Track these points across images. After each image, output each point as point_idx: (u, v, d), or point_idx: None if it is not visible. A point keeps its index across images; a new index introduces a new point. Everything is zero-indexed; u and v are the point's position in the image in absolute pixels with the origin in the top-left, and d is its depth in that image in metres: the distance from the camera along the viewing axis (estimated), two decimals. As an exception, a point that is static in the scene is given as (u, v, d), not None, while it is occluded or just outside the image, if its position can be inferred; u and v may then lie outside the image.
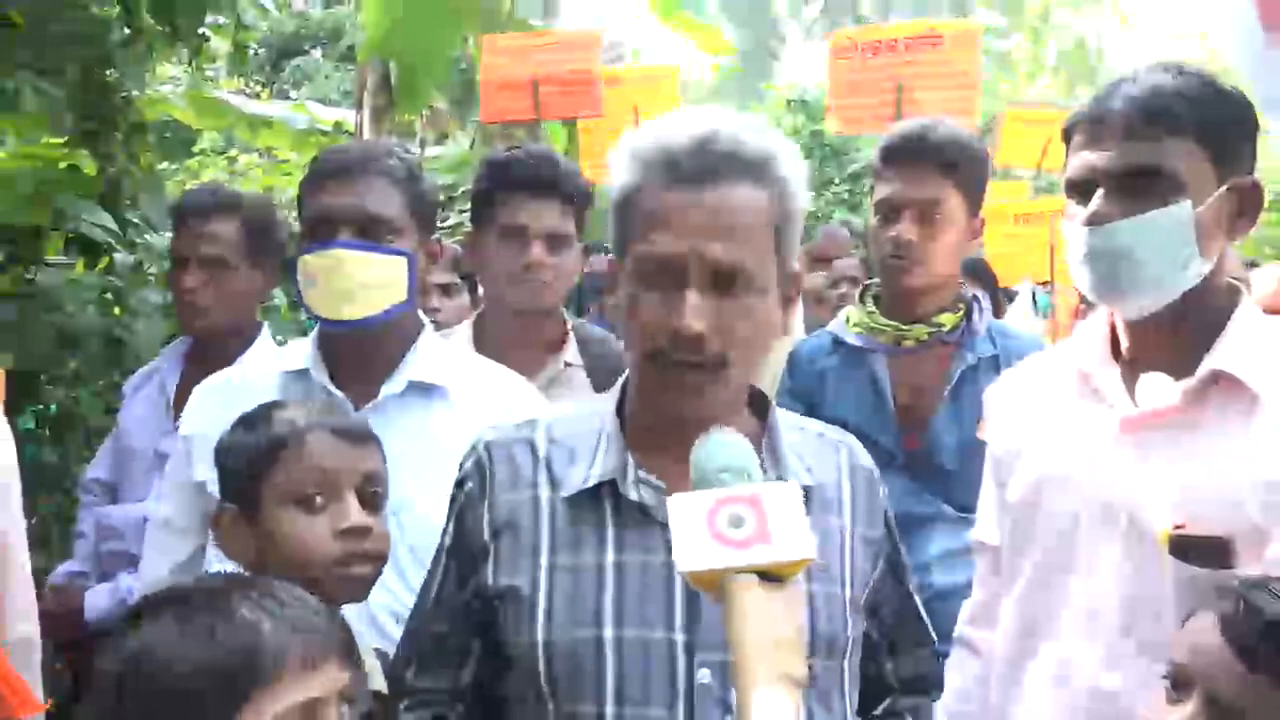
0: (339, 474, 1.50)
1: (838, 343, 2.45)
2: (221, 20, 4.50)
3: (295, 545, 1.46)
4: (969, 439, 2.20)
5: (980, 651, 1.79)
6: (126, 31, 4.03)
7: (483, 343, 2.42)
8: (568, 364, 2.45)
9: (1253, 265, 4.94)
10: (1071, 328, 4.33)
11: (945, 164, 2.32)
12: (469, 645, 1.44)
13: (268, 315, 2.81)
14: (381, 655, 1.54)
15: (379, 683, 1.47)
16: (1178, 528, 1.47)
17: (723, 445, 1.13)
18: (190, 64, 4.80)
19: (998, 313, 4.09)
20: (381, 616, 1.74)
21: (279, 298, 3.80)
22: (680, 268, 1.30)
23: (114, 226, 3.72)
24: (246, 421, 1.57)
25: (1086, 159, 1.53)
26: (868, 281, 2.56)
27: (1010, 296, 4.88)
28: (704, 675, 1.31)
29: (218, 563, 1.83)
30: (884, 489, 1.52)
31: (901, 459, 2.28)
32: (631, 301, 1.35)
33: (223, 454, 1.56)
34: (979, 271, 4.05)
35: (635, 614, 1.33)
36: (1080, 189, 1.55)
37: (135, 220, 3.96)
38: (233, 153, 9.38)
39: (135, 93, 4.15)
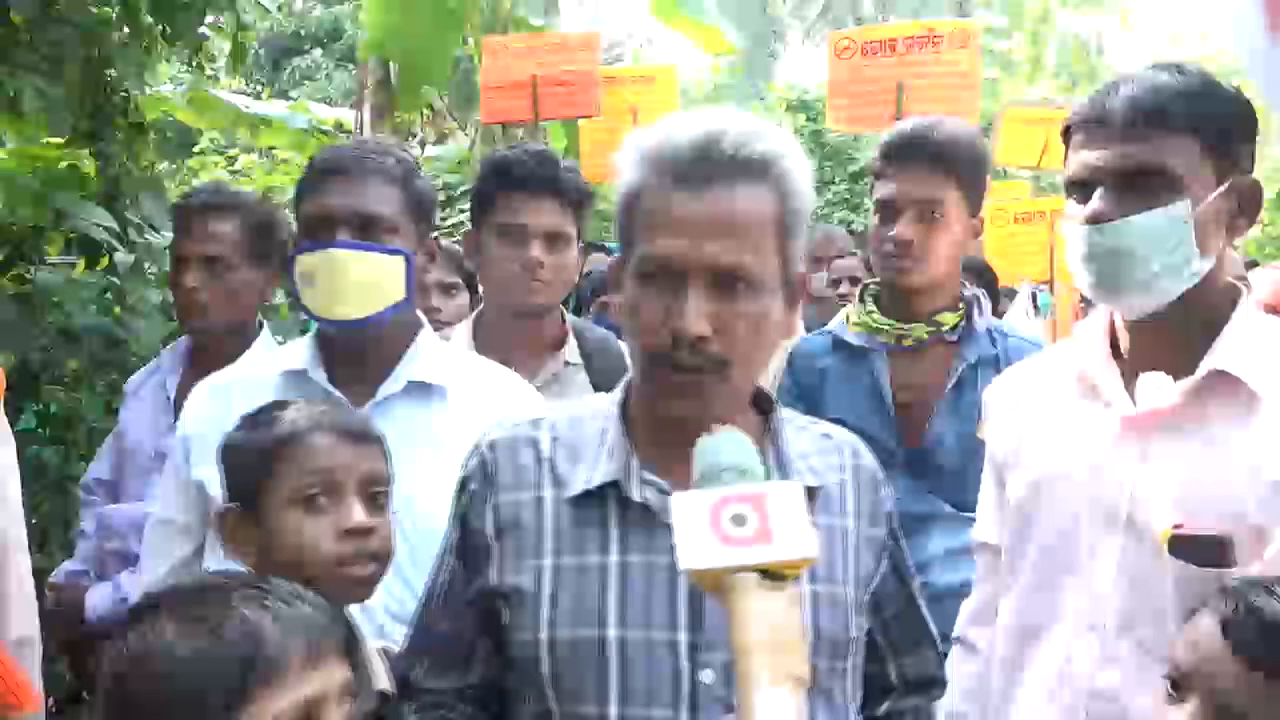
0: (342, 474, 1.50)
1: (837, 342, 2.46)
2: (221, 20, 4.50)
3: (298, 545, 1.46)
4: (968, 438, 2.20)
5: (979, 650, 1.79)
6: (126, 31, 4.03)
7: (482, 342, 2.42)
8: (567, 363, 2.45)
9: (1253, 265, 4.95)
10: (1072, 327, 4.34)
11: (945, 163, 2.32)
12: (476, 644, 1.44)
13: (268, 315, 2.81)
14: (388, 654, 1.54)
15: (384, 682, 1.47)
16: (1177, 527, 1.47)
17: (726, 444, 1.13)
18: (190, 64, 4.80)
19: (997, 312, 4.08)
20: (380, 616, 1.75)
21: (280, 297, 3.80)
22: (681, 269, 1.30)
23: (114, 226, 3.71)
24: (251, 421, 1.57)
25: (1086, 158, 1.53)
26: (867, 281, 2.56)
27: (1011, 296, 4.88)
28: (707, 676, 1.31)
29: (217, 562, 1.83)
30: (887, 489, 1.52)
31: (901, 458, 2.28)
32: (633, 302, 1.35)
33: (227, 453, 1.56)
34: (979, 271, 4.05)
35: (639, 614, 1.33)
36: (1080, 188, 1.55)
37: (135, 220, 3.95)
38: (233, 152, 9.39)
39: (135, 92, 4.15)
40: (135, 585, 2.22)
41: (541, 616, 1.35)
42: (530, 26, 7.91)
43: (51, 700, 2.43)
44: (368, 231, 1.90)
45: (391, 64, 8.47)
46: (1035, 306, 4.85)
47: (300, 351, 2.00)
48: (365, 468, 1.52)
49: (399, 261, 1.92)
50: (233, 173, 8.56)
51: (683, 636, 1.32)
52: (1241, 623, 1.29)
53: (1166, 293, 1.52)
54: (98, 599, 2.44)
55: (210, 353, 2.48)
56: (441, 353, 2.04)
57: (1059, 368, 1.70)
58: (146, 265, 3.85)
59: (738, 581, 1.03)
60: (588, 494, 1.38)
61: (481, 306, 2.58)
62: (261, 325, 2.64)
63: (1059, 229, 1.72)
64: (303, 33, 18.44)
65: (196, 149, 9.22)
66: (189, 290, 2.52)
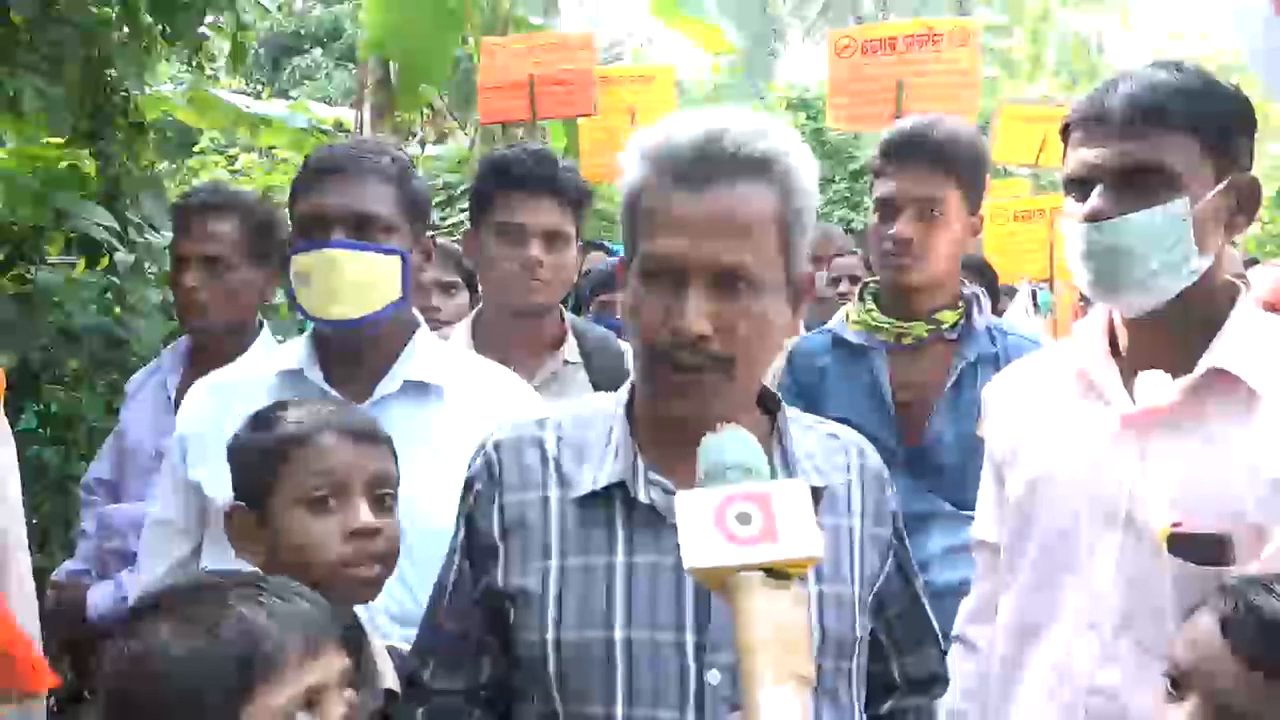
0: (349, 475, 1.50)
1: (837, 340, 2.46)
2: (221, 20, 4.50)
3: (305, 546, 1.47)
4: (968, 436, 2.20)
5: (979, 649, 1.79)
6: (126, 31, 4.03)
7: (481, 341, 2.42)
8: (567, 362, 2.45)
9: (1253, 262, 4.95)
10: (1072, 326, 4.34)
11: (945, 162, 2.32)
12: (485, 643, 1.44)
13: (268, 314, 2.81)
14: (395, 654, 1.54)
15: (391, 681, 1.48)
16: (1176, 525, 1.47)
17: (730, 442, 1.12)
18: (190, 63, 4.80)
19: (997, 310, 4.09)
20: (379, 618, 1.74)
21: (280, 297, 3.80)
22: (682, 268, 1.30)
23: (114, 226, 3.71)
24: (258, 420, 1.57)
25: (1085, 156, 1.53)
26: (867, 279, 2.56)
27: (1011, 294, 4.89)
28: (714, 676, 1.31)
29: (214, 562, 1.83)
30: (892, 488, 1.52)
31: (901, 456, 2.28)
32: (635, 301, 1.35)
33: (234, 452, 1.57)
34: (979, 269, 4.05)
35: (645, 615, 1.33)
36: (1079, 186, 1.55)
37: (135, 219, 3.96)
38: (233, 152, 9.40)
39: (135, 92, 4.15)
40: (135, 584, 2.23)
41: (548, 617, 1.35)
42: (530, 26, 7.91)
43: (52, 700, 2.43)
44: (363, 231, 1.90)
45: (391, 63, 8.48)
46: (1035, 305, 4.85)
47: (296, 351, 1.99)
48: (372, 468, 1.52)
49: (395, 261, 1.92)
50: (233, 172, 8.57)
51: (689, 637, 1.32)
52: (1241, 621, 1.29)
53: (1165, 291, 1.52)
54: (99, 597, 2.44)
55: (210, 352, 2.48)
56: (438, 352, 2.04)
57: (1058, 366, 1.70)
58: (147, 265, 3.85)
59: (742, 580, 1.03)
60: (594, 494, 1.38)
61: (480, 306, 2.58)
62: (261, 325, 2.64)
63: (1059, 227, 1.72)
64: (302, 32, 18.45)
65: (196, 149, 9.22)
66: (189, 290, 2.52)
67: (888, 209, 2.35)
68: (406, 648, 1.56)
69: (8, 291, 3.61)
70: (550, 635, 1.35)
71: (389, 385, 1.94)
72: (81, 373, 3.67)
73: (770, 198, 1.32)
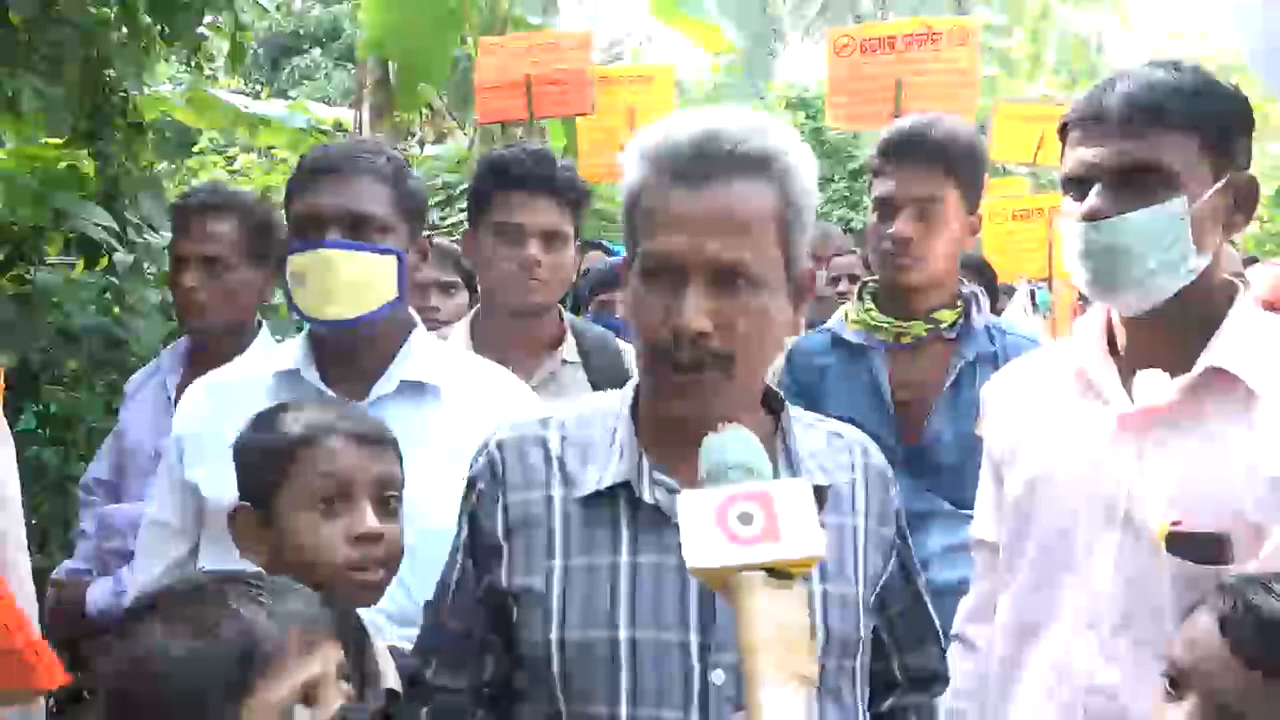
0: (355, 479, 1.50)
1: (836, 340, 2.46)
2: (220, 20, 4.50)
3: (309, 549, 1.47)
4: (967, 435, 2.20)
5: (978, 648, 1.79)
6: (125, 31, 4.03)
7: (480, 341, 2.42)
8: (565, 361, 2.45)
9: (1252, 261, 4.95)
10: (1071, 325, 4.34)
11: (943, 161, 2.32)
12: (487, 643, 1.44)
13: (267, 314, 2.81)
14: (397, 653, 1.54)
15: (393, 680, 1.48)
16: (1175, 524, 1.47)
17: (732, 442, 1.12)
18: (189, 63, 4.80)
19: (996, 310, 4.09)
20: (378, 618, 1.74)
21: (279, 297, 3.80)
22: (681, 266, 1.30)
23: (113, 226, 3.71)
24: (265, 420, 1.56)
25: (1083, 155, 1.53)
26: (866, 279, 2.56)
27: (1010, 293, 4.89)
28: (718, 677, 1.31)
29: (211, 562, 1.83)
30: (896, 488, 1.52)
31: (900, 455, 2.28)
32: (636, 300, 1.35)
33: (240, 452, 1.56)
34: (978, 268, 4.05)
35: (650, 615, 1.33)
36: (1077, 185, 1.55)
37: (134, 220, 3.96)
38: (232, 152, 9.39)
39: (134, 92, 4.15)
40: (132, 584, 2.23)
41: (552, 617, 1.36)
42: (529, 25, 7.91)
43: (51, 700, 2.43)
44: (359, 231, 1.90)
45: (390, 63, 8.49)
46: (1033, 304, 4.85)
47: (293, 352, 1.99)
48: (378, 472, 1.52)
49: (390, 261, 1.92)
50: (231, 172, 8.56)
51: (693, 637, 1.32)
52: (1239, 621, 1.29)
53: (1163, 290, 1.52)
54: (98, 594, 2.44)
55: (210, 353, 2.48)
56: (435, 352, 2.03)
57: (1056, 365, 1.70)
58: (146, 265, 3.85)
59: (744, 580, 1.03)
60: (598, 494, 1.38)
61: (479, 306, 2.58)
62: (260, 325, 2.64)
63: (1057, 226, 1.72)
64: (301, 32, 18.45)
65: (195, 149, 9.22)
66: (187, 290, 2.52)
67: (886, 208, 2.35)
68: (406, 647, 1.56)
69: (7, 292, 3.61)
70: (554, 635, 1.35)
71: (385, 385, 1.94)
72: (81, 373, 3.67)
73: (769, 195, 1.32)
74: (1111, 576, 1.54)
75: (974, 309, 2.39)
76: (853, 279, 4.35)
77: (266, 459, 1.51)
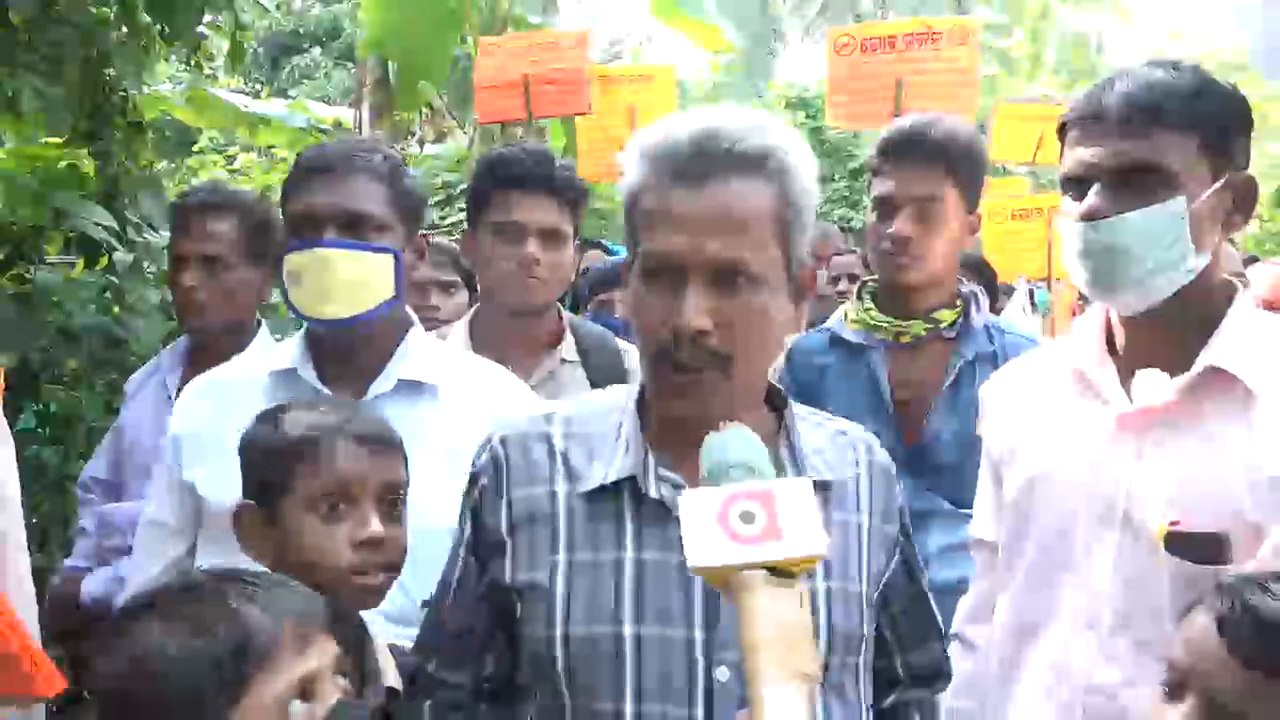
0: (361, 483, 1.50)
1: (835, 339, 2.46)
2: (220, 19, 4.50)
3: (312, 551, 1.47)
4: (967, 435, 2.20)
5: (977, 648, 1.79)
6: (125, 31, 4.03)
7: (479, 340, 2.42)
8: (564, 360, 2.45)
9: (1252, 261, 4.95)
10: (1070, 324, 4.34)
11: (943, 160, 2.32)
12: (491, 635, 1.45)
13: (266, 314, 2.81)
14: (397, 651, 1.54)
15: (393, 679, 1.48)
16: (1173, 524, 1.47)
17: (733, 441, 1.12)
18: (189, 63, 4.80)
19: (996, 309, 4.09)
20: (376, 618, 1.74)
21: (278, 296, 3.80)
22: (681, 265, 1.30)
23: (113, 225, 3.71)
24: (272, 419, 1.56)
25: (1081, 155, 1.53)
26: (865, 278, 2.56)
27: (1009, 293, 4.89)
28: (722, 673, 1.31)
29: (209, 561, 1.83)
30: (900, 485, 1.52)
31: (899, 455, 2.27)
32: (637, 300, 1.36)
33: (246, 449, 1.56)
34: (977, 267, 4.05)
35: (654, 611, 1.33)
36: (1075, 185, 1.55)
37: (134, 219, 3.96)
38: (231, 151, 9.39)
39: (134, 92, 4.15)
40: (130, 583, 2.22)
41: (556, 612, 1.36)
42: (529, 25, 7.92)
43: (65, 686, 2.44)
44: (355, 230, 1.89)
45: (390, 63, 8.49)
46: (1032, 303, 4.86)
47: (290, 351, 1.99)
48: (384, 476, 1.52)
49: (387, 260, 1.91)
50: (231, 171, 8.56)
51: (698, 634, 1.32)
52: (1237, 621, 1.28)
53: (1162, 289, 1.52)
54: (92, 584, 2.45)
55: (209, 352, 2.48)
56: (432, 351, 2.03)
57: (1055, 365, 1.70)
58: (146, 264, 3.85)
59: (746, 579, 1.03)
60: (603, 489, 1.38)
61: (479, 305, 2.58)
62: (260, 324, 2.64)
63: (1057, 225, 1.72)
64: (301, 31, 18.46)
65: (195, 148, 9.21)
66: (187, 289, 2.52)
67: (886, 207, 2.35)
68: (406, 645, 1.56)
69: (7, 291, 3.61)
70: (559, 631, 1.35)
71: (383, 384, 1.93)
72: (80, 372, 3.67)
73: (768, 194, 1.32)
74: (1110, 576, 1.54)
75: (973, 308, 2.39)
76: (852, 278, 4.36)
77: (273, 459, 1.51)
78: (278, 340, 2.60)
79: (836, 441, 1.47)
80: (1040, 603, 1.63)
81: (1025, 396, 1.73)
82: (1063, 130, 1.59)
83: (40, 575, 2.18)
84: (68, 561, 2.65)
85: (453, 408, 1.93)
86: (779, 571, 1.03)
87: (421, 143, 11.06)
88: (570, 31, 5.59)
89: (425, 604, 1.58)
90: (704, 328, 1.29)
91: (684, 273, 1.30)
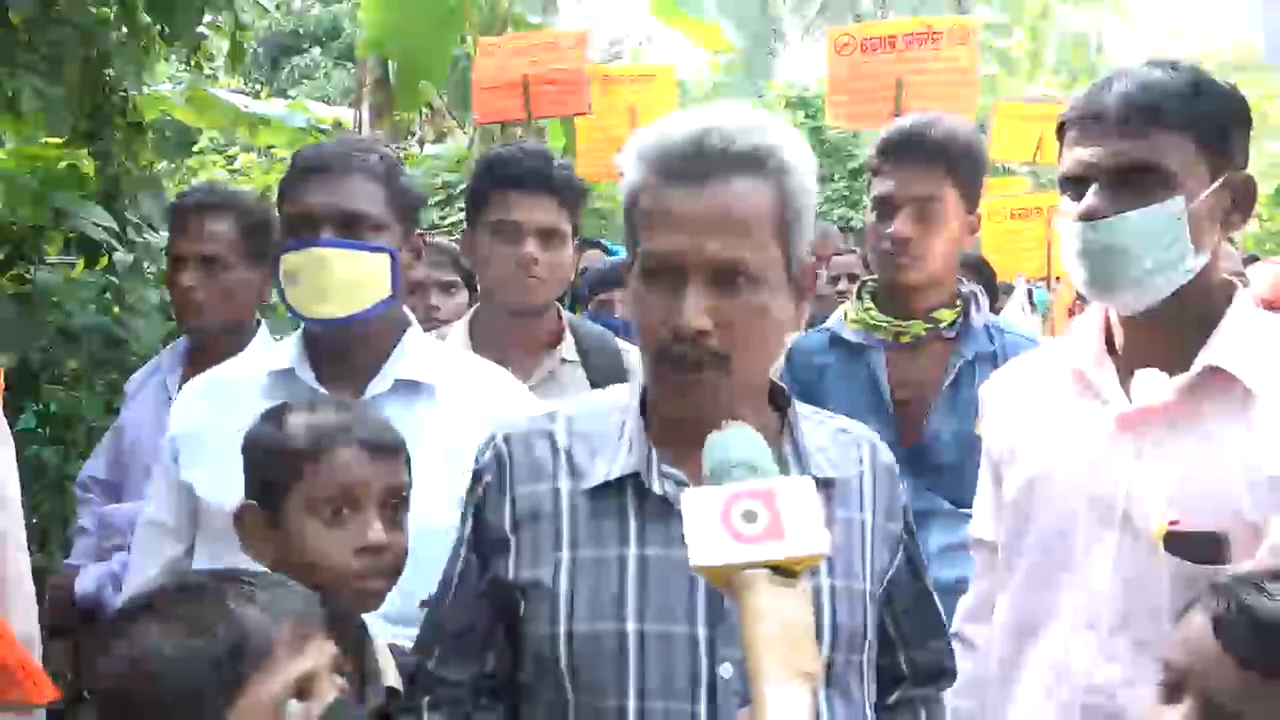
0: (364, 489, 1.49)
1: (835, 339, 2.46)
2: (220, 19, 4.50)
3: (314, 555, 1.47)
4: (966, 434, 2.20)
5: (977, 647, 1.79)
6: (125, 31, 4.03)
7: (479, 340, 2.42)
8: (564, 360, 2.45)
9: (1253, 260, 4.95)
10: (1067, 324, 4.35)
11: (943, 160, 2.32)
12: (491, 633, 1.45)
13: (266, 314, 2.81)
14: (397, 651, 1.54)
15: (393, 679, 1.48)
16: (1173, 524, 1.47)
17: (735, 440, 1.12)
18: (189, 63, 4.80)
19: (995, 309, 4.09)
20: (374, 619, 1.74)
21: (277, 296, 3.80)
22: (681, 265, 1.30)
23: (113, 225, 3.71)
24: (276, 419, 1.55)
25: (1080, 155, 1.53)
26: (865, 278, 2.56)
27: (1009, 292, 4.89)
28: (726, 670, 1.31)
29: (207, 561, 1.83)
30: (903, 484, 1.52)
31: (899, 455, 2.27)
32: (637, 300, 1.36)
33: (249, 449, 1.56)
34: (977, 267, 4.05)
35: (658, 608, 1.33)
36: (1074, 184, 1.55)
37: (134, 219, 3.96)
38: (231, 151, 9.39)
39: (134, 92, 4.15)
40: (127, 583, 2.22)
41: (559, 609, 1.36)
42: (529, 25, 7.91)
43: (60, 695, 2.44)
44: (352, 229, 1.89)
45: (390, 62, 8.49)
46: (1031, 303, 4.85)
47: (287, 351, 1.99)
48: (387, 481, 1.52)
49: (384, 259, 1.91)
50: (231, 171, 8.56)
51: (701, 631, 1.32)
52: (1233, 621, 1.28)
53: (1160, 289, 1.52)
54: (87, 580, 2.45)
55: (209, 352, 2.48)
56: (429, 350, 2.03)
57: (1055, 364, 1.70)
58: (146, 265, 3.85)
59: (749, 578, 1.03)
60: (606, 486, 1.38)
61: (478, 305, 2.58)
62: (259, 324, 2.64)
63: (1056, 225, 1.72)
64: (301, 31, 18.46)
65: (195, 148, 9.21)
66: (185, 289, 2.52)
67: (885, 207, 2.35)
68: (405, 645, 1.56)
69: (7, 291, 3.60)
70: (562, 628, 1.35)
71: (380, 384, 1.93)
72: (81, 372, 3.67)
73: (766, 192, 1.32)
74: (1110, 576, 1.55)
75: (973, 308, 2.39)
76: (852, 278, 4.36)
77: (276, 461, 1.51)
78: (277, 340, 2.60)
79: (839, 439, 1.47)
80: (1040, 603, 1.63)
81: (1025, 396, 1.73)
82: (1061, 130, 1.59)
83: (40, 575, 2.18)
84: (67, 561, 2.65)
85: (451, 408, 1.93)
86: (781, 570, 1.03)
87: (421, 143, 11.05)
88: (570, 31, 5.60)
89: (424, 603, 1.58)
90: (704, 327, 1.29)
91: (684, 272, 1.30)
